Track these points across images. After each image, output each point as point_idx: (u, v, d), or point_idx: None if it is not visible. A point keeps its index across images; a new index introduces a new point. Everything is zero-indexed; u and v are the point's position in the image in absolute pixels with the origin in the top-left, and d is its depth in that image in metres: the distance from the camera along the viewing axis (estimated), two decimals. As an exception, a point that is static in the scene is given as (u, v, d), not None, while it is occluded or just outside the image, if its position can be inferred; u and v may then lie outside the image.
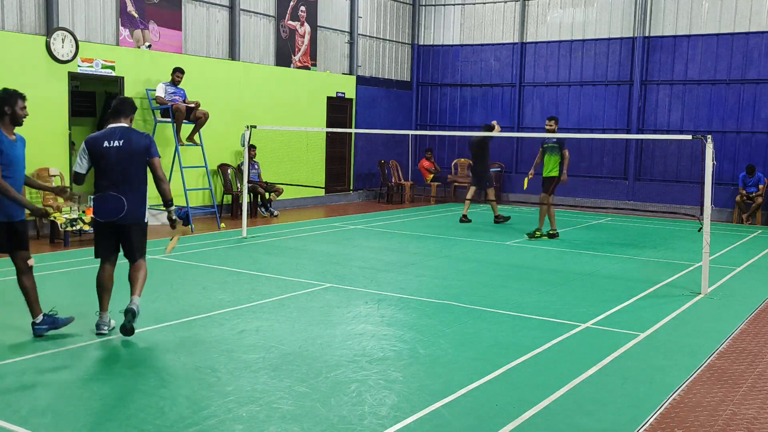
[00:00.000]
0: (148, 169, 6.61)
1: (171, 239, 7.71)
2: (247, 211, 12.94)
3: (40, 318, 6.42)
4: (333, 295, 8.22)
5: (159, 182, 6.63)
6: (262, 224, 14.08)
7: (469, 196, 15.09)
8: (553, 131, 12.74)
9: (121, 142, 6.49)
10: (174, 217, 6.82)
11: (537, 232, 12.86)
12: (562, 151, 12.52)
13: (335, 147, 18.88)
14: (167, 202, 6.68)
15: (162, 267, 9.51)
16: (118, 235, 6.56)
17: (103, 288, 6.59)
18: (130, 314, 6.33)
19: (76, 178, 6.58)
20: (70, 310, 7.23)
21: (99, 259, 6.69)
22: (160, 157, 6.70)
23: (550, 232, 12.90)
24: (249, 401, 4.97)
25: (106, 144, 6.46)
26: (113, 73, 13.20)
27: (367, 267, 9.96)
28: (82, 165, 6.51)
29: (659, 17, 17.92)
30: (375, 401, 5.02)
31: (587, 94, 18.97)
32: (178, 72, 13.53)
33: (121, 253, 6.68)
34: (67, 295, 7.95)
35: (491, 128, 14.62)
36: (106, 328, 6.55)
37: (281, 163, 16.52)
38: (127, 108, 6.77)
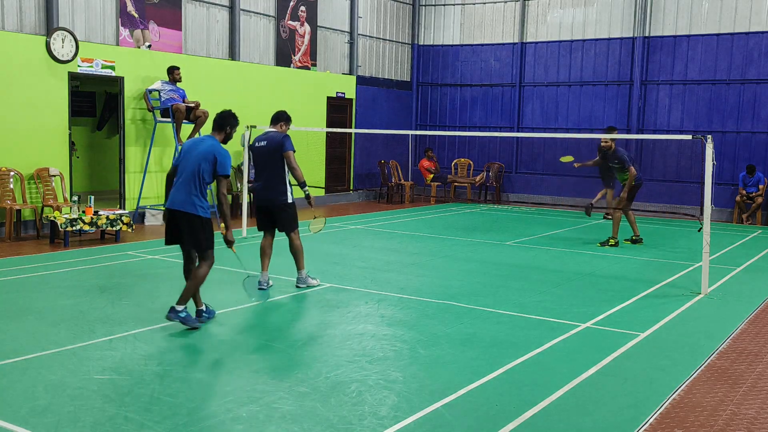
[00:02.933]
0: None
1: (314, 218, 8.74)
2: (247, 211, 12.94)
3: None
4: (333, 295, 8.22)
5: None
6: (262, 224, 14.06)
7: (609, 199, 14.71)
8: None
9: (264, 143, 8.24)
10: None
11: (634, 237, 12.57)
12: (627, 169, 12.00)
13: (335, 147, 18.88)
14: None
15: (162, 267, 9.51)
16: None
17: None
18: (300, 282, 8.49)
19: None
20: (70, 309, 7.24)
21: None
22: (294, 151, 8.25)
23: (633, 237, 12.61)
24: (249, 401, 4.97)
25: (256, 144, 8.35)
26: (113, 73, 13.20)
27: (367, 267, 9.96)
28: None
29: (659, 17, 17.93)
30: (375, 401, 5.02)
31: (587, 94, 18.97)
32: (176, 70, 13.52)
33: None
34: (67, 295, 7.94)
35: (614, 130, 14.49)
36: (265, 285, 8.25)
37: (281, 163, 16.50)
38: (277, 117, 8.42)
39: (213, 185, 6.93)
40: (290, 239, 8.37)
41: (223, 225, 6.81)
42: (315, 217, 8.77)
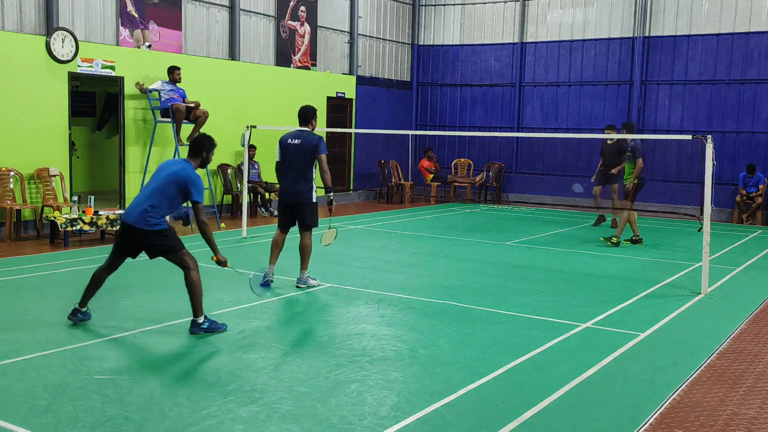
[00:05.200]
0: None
1: (327, 230, 8.93)
2: (247, 211, 12.94)
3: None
4: (333, 295, 8.22)
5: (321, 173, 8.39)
6: (262, 224, 14.07)
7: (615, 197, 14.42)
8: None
9: (298, 141, 8.33)
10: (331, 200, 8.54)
11: (634, 237, 12.56)
12: (636, 159, 12.13)
13: (335, 147, 18.87)
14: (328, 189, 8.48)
15: (162, 267, 9.49)
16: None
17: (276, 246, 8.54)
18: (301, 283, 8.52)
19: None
20: (70, 309, 7.23)
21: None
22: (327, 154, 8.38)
23: (633, 237, 12.57)
24: (249, 401, 4.97)
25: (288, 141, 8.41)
26: (113, 73, 13.20)
27: (367, 267, 9.96)
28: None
29: (659, 17, 17.93)
30: (375, 401, 5.02)
31: (587, 94, 18.97)
32: (176, 70, 13.50)
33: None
34: (67, 295, 7.94)
35: (613, 128, 14.18)
36: (271, 277, 8.36)
37: (281, 163, 16.51)
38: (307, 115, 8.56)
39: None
40: (303, 237, 8.50)
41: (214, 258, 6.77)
42: (330, 227, 8.87)
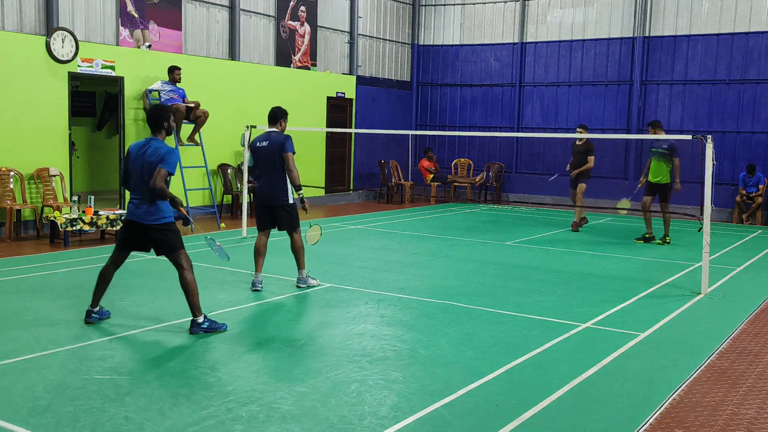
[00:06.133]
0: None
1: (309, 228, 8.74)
2: (247, 211, 12.94)
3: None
4: (333, 295, 8.22)
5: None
6: (262, 224, 14.06)
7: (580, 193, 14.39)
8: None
9: (266, 143, 8.27)
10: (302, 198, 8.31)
11: (647, 236, 12.69)
12: (674, 159, 12.16)
13: (335, 147, 18.88)
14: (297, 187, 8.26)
15: (162, 267, 9.50)
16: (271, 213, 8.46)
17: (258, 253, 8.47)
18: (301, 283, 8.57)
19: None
20: (70, 310, 7.24)
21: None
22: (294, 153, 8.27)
23: (666, 238, 12.69)
24: (249, 401, 4.97)
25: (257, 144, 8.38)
26: (113, 73, 13.20)
27: (367, 267, 9.96)
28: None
29: (659, 17, 17.93)
30: (375, 401, 5.02)
31: (587, 94, 18.97)
32: (177, 70, 13.49)
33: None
34: (67, 295, 7.94)
35: (585, 128, 14.26)
36: (259, 285, 8.36)
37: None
38: (276, 116, 8.50)
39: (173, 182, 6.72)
40: (292, 239, 8.42)
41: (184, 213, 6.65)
42: (310, 226, 8.76)
